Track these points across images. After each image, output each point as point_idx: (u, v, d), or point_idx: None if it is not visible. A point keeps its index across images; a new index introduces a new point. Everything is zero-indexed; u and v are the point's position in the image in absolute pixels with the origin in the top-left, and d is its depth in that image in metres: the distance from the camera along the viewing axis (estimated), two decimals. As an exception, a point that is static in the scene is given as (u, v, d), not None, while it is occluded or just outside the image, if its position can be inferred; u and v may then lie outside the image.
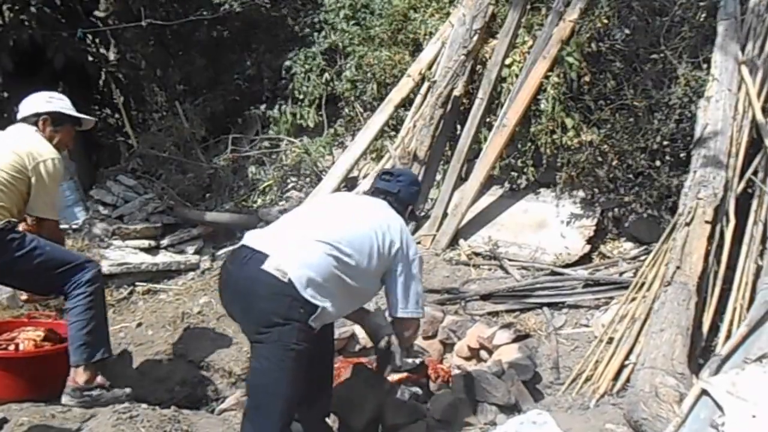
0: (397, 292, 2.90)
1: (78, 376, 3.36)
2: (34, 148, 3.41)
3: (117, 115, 7.16)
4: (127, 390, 3.46)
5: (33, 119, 3.53)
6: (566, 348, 4.00)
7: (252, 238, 2.78)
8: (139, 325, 4.60)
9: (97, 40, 6.96)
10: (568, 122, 5.08)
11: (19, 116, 3.59)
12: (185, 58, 7.28)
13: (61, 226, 5.67)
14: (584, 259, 4.80)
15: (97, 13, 7.21)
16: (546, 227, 5.11)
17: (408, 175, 3.26)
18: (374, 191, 3.13)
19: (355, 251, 2.76)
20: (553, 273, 4.67)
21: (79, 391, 3.35)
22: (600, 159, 4.96)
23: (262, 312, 2.61)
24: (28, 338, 3.71)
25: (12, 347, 3.67)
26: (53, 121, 3.56)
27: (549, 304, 4.39)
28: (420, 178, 5.61)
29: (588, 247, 4.86)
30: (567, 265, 4.73)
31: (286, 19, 7.03)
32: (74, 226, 5.51)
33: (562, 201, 5.20)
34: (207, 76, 7.08)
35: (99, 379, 3.42)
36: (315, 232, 2.75)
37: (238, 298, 2.69)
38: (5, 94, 7.00)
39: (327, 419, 3.19)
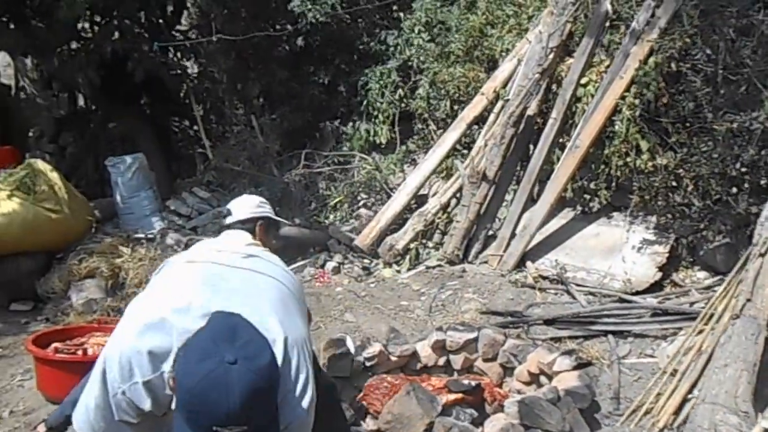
0: None
1: None
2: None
3: (195, 128, 7.41)
4: None
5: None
6: (629, 378, 3.83)
7: None
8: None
9: (178, 54, 7.23)
10: (643, 145, 4.91)
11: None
12: (264, 72, 7.46)
13: (137, 236, 5.96)
14: (654, 287, 4.61)
15: (179, 27, 7.50)
16: (616, 252, 4.94)
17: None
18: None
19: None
20: (621, 300, 4.51)
21: None
22: (675, 184, 4.77)
23: None
24: (96, 343, 3.86)
25: (80, 352, 3.82)
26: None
27: (614, 332, 4.22)
28: (489, 197, 5.56)
29: (659, 275, 4.67)
30: (636, 293, 4.56)
31: (363, 34, 7.11)
32: (149, 236, 5.72)
33: (634, 226, 5.02)
34: (285, 90, 7.23)
35: None
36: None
37: None
38: (93, 107, 7.39)
39: None
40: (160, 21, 6.90)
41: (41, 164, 5.85)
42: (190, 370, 1.58)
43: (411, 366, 4.17)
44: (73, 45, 6.67)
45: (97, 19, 6.35)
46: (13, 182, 5.58)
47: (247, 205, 2.98)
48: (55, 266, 5.60)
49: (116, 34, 6.30)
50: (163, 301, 1.89)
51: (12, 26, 6.58)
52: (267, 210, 3.03)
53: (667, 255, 4.77)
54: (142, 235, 5.94)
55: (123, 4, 6.37)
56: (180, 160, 7.51)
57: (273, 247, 3.02)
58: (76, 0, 5.65)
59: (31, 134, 9.21)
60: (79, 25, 6.71)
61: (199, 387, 1.55)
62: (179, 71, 7.24)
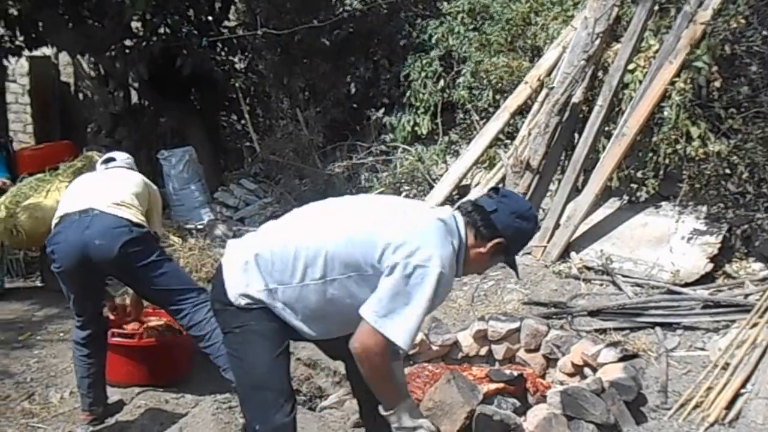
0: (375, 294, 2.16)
1: None
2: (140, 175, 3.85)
3: (243, 121, 7.53)
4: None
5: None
6: (677, 371, 3.74)
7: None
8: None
9: (225, 50, 7.36)
10: (694, 131, 4.77)
11: (111, 165, 3.94)
12: (309, 66, 7.53)
13: (187, 226, 6.11)
14: (705, 279, 4.48)
15: (227, 23, 7.64)
16: (665, 243, 4.82)
17: (516, 200, 2.42)
18: (467, 202, 2.41)
19: (315, 262, 2.24)
20: (670, 292, 4.39)
21: None
22: (728, 171, 4.62)
23: (221, 321, 2.45)
24: (151, 327, 3.99)
25: (136, 336, 3.95)
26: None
27: (662, 324, 4.13)
28: (533, 187, 5.50)
29: (710, 266, 4.53)
30: (686, 284, 4.43)
31: (405, 25, 7.10)
32: (199, 227, 5.85)
33: (684, 216, 4.88)
34: (328, 82, 7.29)
35: None
36: (279, 227, 2.42)
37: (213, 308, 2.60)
38: (145, 102, 7.59)
39: None
40: (209, 18, 7.03)
41: (98, 155, 6.04)
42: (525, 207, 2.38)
43: (452, 355, 4.17)
44: (127, 43, 6.86)
45: (148, 17, 6.52)
46: (72, 173, 5.78)
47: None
48: (111, 254, 5.77)
49: (166, 31, 6.46)
50: None
51: (71, 26, 6.81)
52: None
53: (718, 246, 4.63)
54: (192, 226, 6.08)
55: (173, 1, 6.53)
56: (227, 153, 7.65)
57: None
58: (137, 1, 5.83)
59: (89, 129, 9.52)
60: (132, 24, 6.90)
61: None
62: (227, 67, 7.37)
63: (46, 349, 4.58)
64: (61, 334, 4.84)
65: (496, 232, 2.30)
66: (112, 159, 3.94)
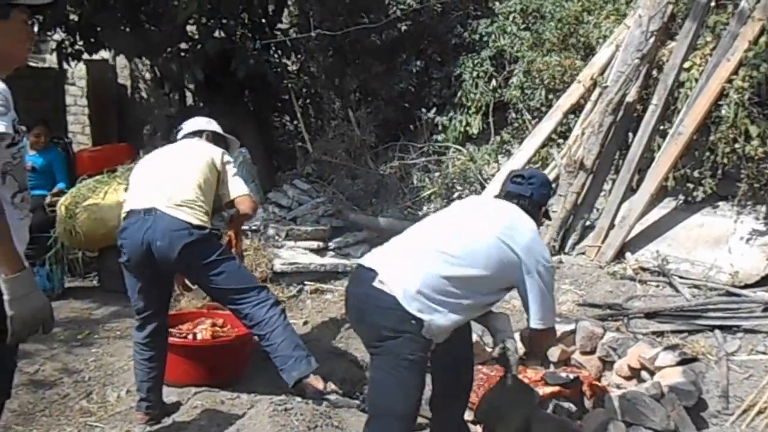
0: (530, 303, 2.76)
1: (317, 383, 3.56)
2: (210, 147, 3.83)
3: (296, 122, 7.63)
4: (357, 401, 3.67)
5: (196, 135, 3.98)
6: (738, 376, 3.69)
7: (366, 257, 2.83)
8: (306, 323, 4.89)
9: (279, 52, 7.47)
10: (753, 130, 4.68)
11: (182, 134, 4.02)
12: (361, 66, 7.59)
13: (242, 227, 6.21)
14: (765, 280, 4.40)
15: (280, 25, 7.73)
16: (723, 244, 4.75)
17: (539, 177, 3.09)
18: (506, 194, 2.98)
19: (467, 261, 2.65)
20: (729, 294, 4.33)
21: (320, 396, 3.55)
22: (789, 171, 4.52)
23: (374, 326, 2.65)
24: (206, 328, 4.09)
25: (191, 336, 4.05)
26: (213, 138, 4.00)
27: (722, 327, 4.07)
28: (587, 187, 5.46)
29: (772, 268, 4.45)
30: (745, 286, 4.37)
31: (456, 25, 7.10)
32: (253, 227, 5.95)
33: (742, 216, 4.80)
34: (380, 83, 7.34)
35: (331, 385, 3.63)
36: (427, 244, 2.72)
37: (357, 315, 2.78)
38: (200, 104, 7.74)
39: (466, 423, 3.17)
40: (262, 20, 7.14)
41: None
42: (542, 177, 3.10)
43: (507, 357, 4.18)
44: (182, 46, 7.01)
45: (203, 20, 6.65)
46: (129, 176, 5.95)
47: (194, 122, 4.02)
48: (167, 255, 5.92)
49: (221, 34, 6.59)
50: None
51: (128, 30, 7.00)
52: (213, 126, 4.03)
53: (779, 246, 4.54)
54: (246, 227, 6.19)
55: (227, 5, 6.65)
56: (280, 154, 7.75)
57: None
58: (189, 4, 5.96)
59: (145, 131, 9.77)
60: (188, 27, 7.05)
61: None
62: (280, 68, 7.47)
63: (103, 347, 4.70)
64: (118, 333, 4.98)
65: (541, 204, 3.02)
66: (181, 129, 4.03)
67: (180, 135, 4.02)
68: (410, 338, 2.58)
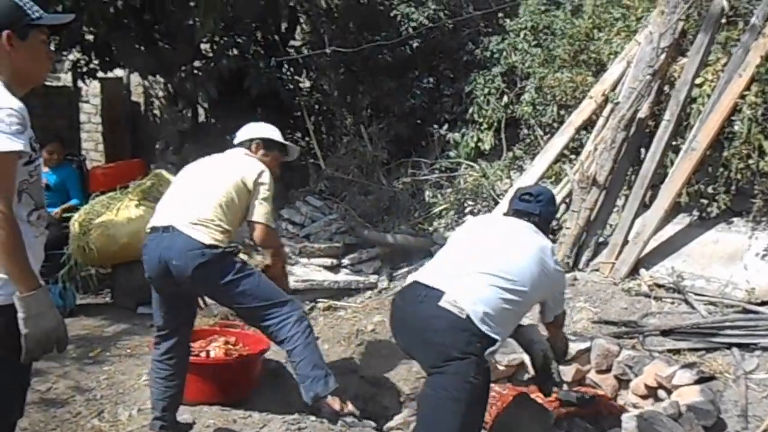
0: (551, 304, 3.12)
1: (334, 404, 3.54)
2: (248, 164, 3.69)
3: (308, 139, 7.66)
4: (372, 424, 3.65)
5: (247, 143, 3.85)
6: (757, 395, 3.65)
7: (424, 275, 2.87)
8: (317, 339, 4.88)
9: (291, 69, 7.52)
10: (767, 146, 4.66)
11: (236, 141, 3.92)
12: (373, 83, 7.62)
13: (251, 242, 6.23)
14: (782, 298, 4.36)
15: (293, 43, 7.79)
16: (738, 260, 4.71)
17: (546, 195, 3.24)
18: (516, 212, 3.14)
19: (519, 281, 2.80)
20: (746, 311, 4.29)
21: (336, 417, 3.55)
22: (804, 187, 4.49)
23: (442, 347, 2.66)
24: (219, 346, 4.09)
25: (203, 354, 4.04)
26: (264, 145, 3.84)
27: (739, 345, 4.03)
28: (600, 203, 5.44)
29: (788, 284, 4.40)
30: (762, 303, 4.32)
31: (467, 43, 7.12)
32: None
33: (757, 232, 4.77)
34: (392, 99, 7.36)
35: (350, 406, 3.61)
36: (482, 265, 2.81)
37: (416, 335, 2.79)
38: (212, 120, 7.81)
39: None
40: (275, 38, 7.20)
41: (166, 174, 6.23)
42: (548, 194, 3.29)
43: (519, 376, 4.15)
44: (195, 63, 7.08)
45: (217, 38, 6.72)
46: (141, 192, 5.99)
47: (247, 129, 3.91)
48: (179, 272, 5.94)
49: (234, 52, 6.65)
50: None
51: (142, 49, 7.09)
52: (267, 132, 3.88)
53: (795, 263, 4.50)
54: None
55: (241, 23, 6.72)
56: (293, 171, 7.76)
57: (270, 166, 3.77)
58: (206, 23, 6.03)
59: (157, 147, 9.84)
60: (201, 45, 7.12)
61: None
62: (292, 85, 7.52)
63: (115, 365, 4.69)
64: (129, 350, 4.97)
65: (549, 221, 3.28)
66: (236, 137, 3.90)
67: (235, 141, 3.92)
68: (476, 361, 2.63)
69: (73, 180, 6.71)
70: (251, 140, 3.85)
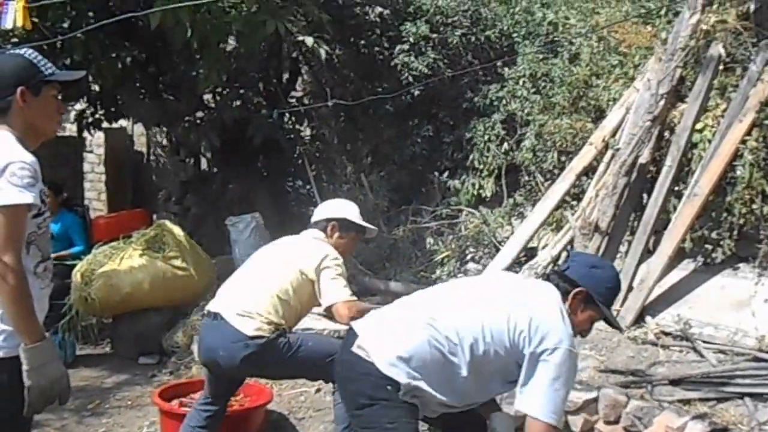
0: (528, 388, 2.43)
1: None
2: (310, 252, 3.49)
3: (308, 187, 7.70)
4: None
5: (323, 224, 3.66)
6: (770, 446, 3.56)
7: (357, 321, 2.70)
8: (318, 390, 4.79)
9: (293, 119, 7.61)
10: (770, 190, 4.65)
11: (312, 220, 3.76)
12: (373, 131, 7.69)
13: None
14: (793, 345, 4.28)
15: (294, 93, 7.91)
16: (747, 306, 4.65)
17: (587, 257, 2.91)
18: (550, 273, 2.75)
19: (464, 341, 2.44)
20: (757, 359, 4.20)
21: None
22: (809, 231, 4.47)
23: (351, 394, 2.55)
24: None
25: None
26: (340, 227, 3.64)
27: (752, 395, 3.94)
28: (602, 249, 5.41)
29: (798, 331, 4.34)
30: (772, 351, 4.25)
31: (467, 91, 7.20)
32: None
33: (764, 278, 4.72)
34: (392, 147, 7.42)
35: None
36: (420, 313, 2.54)
37: (339, 382, 2.70)
38: (214, 170, 7.87)
39: None
40: (277, 89, 7.31)
41: (170, 224, 6.27)
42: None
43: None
44: (198, 114, 7.18)
45: (220, 89, 6.83)
46: (145, 242, 6.00)
47: (324, 208, 3.79)
48: (179, 321, 5.92)
49: (237, 103, 6.75)
50: None
51: (147, 100, 7.20)
52: (344, 212, 3.70)
53: (805, 309, 4.45)
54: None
55: (243, 75, 6.83)
56: (294, 218, 7.78)
57: (347, 248, 3.73)
58: (210, 75, 6.13)
59: (159, 197, 9.89)
60: (205, 96, 7.24)
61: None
62: (293, 134, 7.60)
63: (114, 417, 4.67)
64: (129, 402, 4.94)
65: (574, 282, 2.53)
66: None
67: (312, 220, 3.74)
68: (386, 405, 2.42)
69: (77, 228, 6.73)
70: (327, 221, 3.65)
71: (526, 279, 2.77)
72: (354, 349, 2.51)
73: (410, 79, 6.80)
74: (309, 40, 6.09)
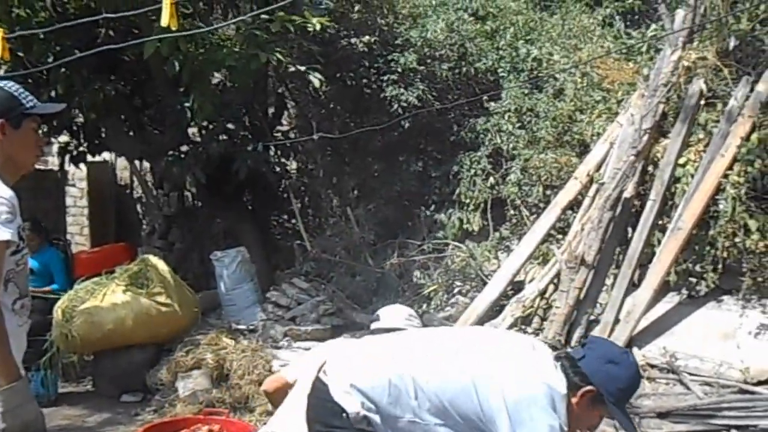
0: None
1: None
2: None
3: (294, 221, 7.68)
4: None
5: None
6: (759, 479, 3.55)
7: (333, 351, 2.62)
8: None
9: (278, 152, 7.62)
10: (752, 224, 4.72)
11: (380, 325, 3.46)
12: (360, 165, 7.72)
13: (239, 327, 6.14)
14: (779, 377, 4.31)
15: (280, 127, 7.93)
16: (731, 339, 4.68)
17: (605, 346, 2.41)
18: (558, 353, 2.39)
19: (428, 392, 2.25)
20: (742, 391, 4.23)
21: None
22: (792, 264, 4.52)
23: (310, 421, 2.42)
24: (203, 436, 3.94)
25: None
26: None
27: (738, 427, 3.96)
28: (588, 282, 5.42)
29: (783, 363, 4.37)
30: (758, 383, 4.27)
31: (453, 125, 7.27)
32: (251, 327, 5.87)
33: (747, 310, 4.77)
34: (379, 181, 7.44)
35: None
36: (393, 352, 2.40)
37: (305, 412, 2.52)
38: (199, 204, 7.83)
39: None
40: (263, 123, 7.33)
41: (154, 259, 6.19)
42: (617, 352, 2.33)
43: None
44: (183, 148, 7.16)
45: (205, 123, 6.83)
46: (128, 278, 5.92)
47: (395, 315, 3.43)
48: (163, 358, 5.82)
49: (223, 137, 6.74)
50: None
51: (131, 133, 7.17)
52: (414, 324, 3.41)
53: (788, 341, 4.48)
54: (244, 327, 6.12)
55: (229, 109, 6.84)
56: (279, 252, 7.75)
57: None
58: (204, 107, 6.15)
59: (143, 232, 9.81)
60: (190, 130, 7.23)
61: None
62: (279, 168, 7.60)
63: (95, 458, 4.56)
64: (111, 442, 4.83)
65: (585, 378, 2.22)
66: (377, 318, 3.43)
67: (373, 326, 3.45)
68: None
69: (57, 264, 6.64)
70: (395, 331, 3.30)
71: (516, 341, 2.43)
72: (320, 375, 2.42)
73: (400, 110, 6.85)
74: (302, 68, 6.14)
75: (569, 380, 2.22)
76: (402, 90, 6.85)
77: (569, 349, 2.50)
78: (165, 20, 3.75)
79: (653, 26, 6.35)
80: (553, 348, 2.41)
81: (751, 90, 5.09)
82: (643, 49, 6.17)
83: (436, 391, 2.23)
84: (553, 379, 2.20)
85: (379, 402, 2.28)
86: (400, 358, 2.35)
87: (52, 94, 6.16)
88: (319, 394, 2.37)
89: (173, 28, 3.87)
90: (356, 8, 7.52)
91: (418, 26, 7.25)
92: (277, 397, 3.23)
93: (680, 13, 5.68)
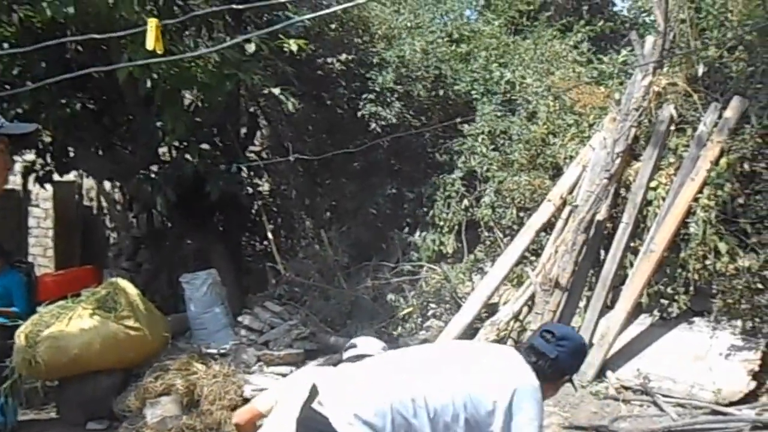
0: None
1: None
2: None
3: (266, 242, 7.58)
4: None
5: None
6: (736, 501, 3.56)
7: (320, 378, 2.62)
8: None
9: (251, 173, 7.53)
10: (722, 247, 4.79)
11: (355, 353, 3.35)
12: (333, 186, 7.67)
13: (209, 351, 6.01)
14: (750, 397, 4.36)
15: (252, 147, 7.85)
16: (703, 360, 4.73)
17: (573, 341, 2.64)
18: (528, 348, 2.59)
19: (429, 406, 2.34)
20: (715, 412, 4.26)
21: None
22: (761, 286, 4.60)
23: None
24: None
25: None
26: None
27: (712, 449, 3.98)
28: (562, 305, 5.44)
29: (753, 384, 4.42)
30: (730, 404, 4.31)
31: (427, 146, 7.28)
32: (222, 351, 5.76)
33: (718, 331, 4.82)
34: (353, 203, 7.39)
35: None
36: (386, 375, 2.46)
37: None
38: (169, 225, 7.68)
39: None
40: (235, 144, 7.25)
41: (123, 282, 6.05)
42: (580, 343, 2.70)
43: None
44: (154, 168, 7.03)
45: (176, 143, 6.73)
46: (96, 301, 5.77)
47: (373, 346, 3.39)
48: (131, 383, 5.67)
49: (193, 157, 6.63)
50: None
51: (100, 153, 7.02)
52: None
53: (758, 362, 4.53)
54: (215, 351, 5.99)
55: (201, 129, 6.75)
56: (251, 275, 7.65)
57: None
58: (178, 127, 6.06)
59: (110, 254, 9.60)
60: (160, 150, 7.11)
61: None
62: (251, 189, 7.51)
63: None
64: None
65: (564, 372, 2.61)
66: (353, 346, 3.38)
67: (346, 354, 3.37)
68: None
69: (19, 289, 6.40)
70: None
71: (506, 361, 2.55)
72: (314, 405, 2.41)
73: (378, 129, 6.83)
74: (276, 91, 6.10)
75: (546, 377, 2.50)
76: (380, 108, 6.84)
77: (538, 341, 2.55)
78: (150, 43, 3.68)
79: (624, 51, 6.48)
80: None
81: (720, 116, 5.19)
82: (614, 73, 6.28)
83: (435, 407, 2.34)
84: (530, 376, 2.47)
85: (382, 430, 2.32)
86: (395, 381, 2.41)
87: (18, 110, 6.01)
88: (320, 426, 2.36)
89: (159, 51, 3.78)
90: (333, 26, 7.51)
91: (394, 47, 7.28)
92: (249, 428, 3.23)
93: (650, 39, 5.79)
